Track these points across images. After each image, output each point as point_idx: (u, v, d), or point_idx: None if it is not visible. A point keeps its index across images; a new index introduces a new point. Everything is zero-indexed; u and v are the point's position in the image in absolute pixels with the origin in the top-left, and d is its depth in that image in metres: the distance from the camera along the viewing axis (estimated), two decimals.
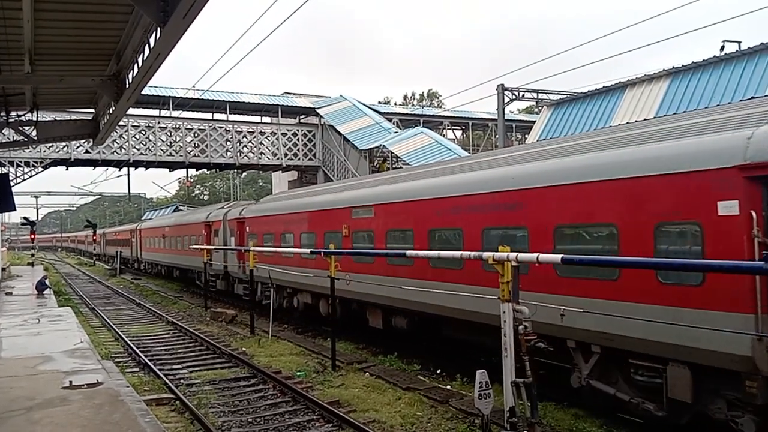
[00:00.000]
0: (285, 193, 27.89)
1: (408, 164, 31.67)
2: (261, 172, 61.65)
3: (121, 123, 35.74)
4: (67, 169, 41.28)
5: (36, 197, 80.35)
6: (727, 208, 7.55)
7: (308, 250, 16.79)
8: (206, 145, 42.35)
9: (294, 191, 27.26)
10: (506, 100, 30.36)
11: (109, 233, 72.08)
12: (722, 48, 23.16)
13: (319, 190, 21.18)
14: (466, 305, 11.56)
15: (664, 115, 17.77)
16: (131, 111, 31.33)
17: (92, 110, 17.34)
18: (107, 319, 23.71)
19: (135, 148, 40.44)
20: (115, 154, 39.94)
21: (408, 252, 11.81)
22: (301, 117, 48.41)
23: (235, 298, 27.71)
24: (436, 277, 12.79)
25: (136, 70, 10.94)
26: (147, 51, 9.90)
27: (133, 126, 40.20)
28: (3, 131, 18.05)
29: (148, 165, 42.40)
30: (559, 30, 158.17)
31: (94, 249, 75.66)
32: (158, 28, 8.74)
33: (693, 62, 22.98)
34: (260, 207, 24.63)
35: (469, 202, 12.15)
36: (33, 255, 56.27)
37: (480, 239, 11.68)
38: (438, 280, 12.64)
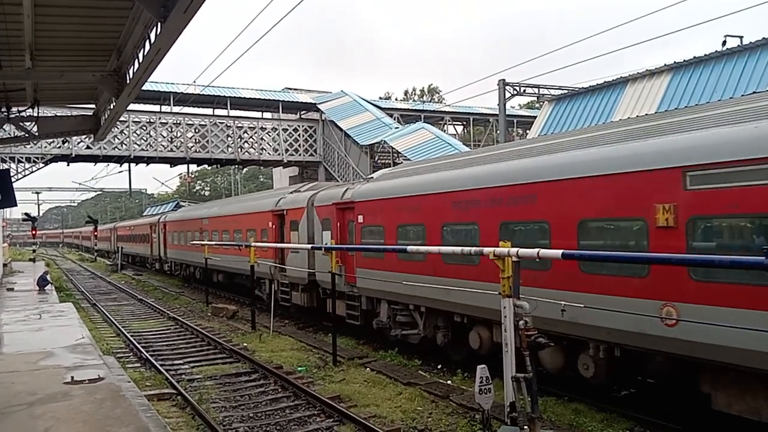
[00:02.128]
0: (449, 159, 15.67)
1: (409, 159, 31.61)
2: (262, 167, 61.67)
3: (121, 119, 35.70)
4: (68, 165, 41.43)
5: (37, 193, 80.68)
6: None
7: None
8: (207, 141, 42.37)
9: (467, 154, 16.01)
10: (507, 95, 30.32)
11: (121, 228, 62.09)
12: (724, 43, 23.11)
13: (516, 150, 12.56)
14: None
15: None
16: (132, 107, 31.38)
17: (93, 106, 17.32)
18: (108, 315, 23.74)
19: (136, 143, 40.45)
20: (116, 149, 39.98)
21: (408, 247, 11.84)
22: (302, 112, 48.39)
23: (322, 316, 19.99)
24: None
25: (136, 65, 10.93)
26: (147, 46, 9.89)
27: (134, 122, 40.21)
28: (4, 127, 18.04)
29: (149, 161, 42.44)
30: (559, 23, 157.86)
31: (95, 245, 75.44)
32: (159, 24, 8.72)
33: (694, 57, 22.92)
34: (385, 186, 15.85)
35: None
36: (34, 251, 56.29)
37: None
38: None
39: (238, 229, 26.22)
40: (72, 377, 10.46)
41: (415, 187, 14.33)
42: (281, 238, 21.93)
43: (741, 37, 23.57)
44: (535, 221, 10.73)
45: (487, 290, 10.28)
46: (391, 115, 44.60)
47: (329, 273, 15.09)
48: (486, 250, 8.80)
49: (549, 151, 11.06)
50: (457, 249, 10.10)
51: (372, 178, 18.17)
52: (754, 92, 19.60)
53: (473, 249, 9.58)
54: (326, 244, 17.86)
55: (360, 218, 16.38)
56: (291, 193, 22.35)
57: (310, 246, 18.27)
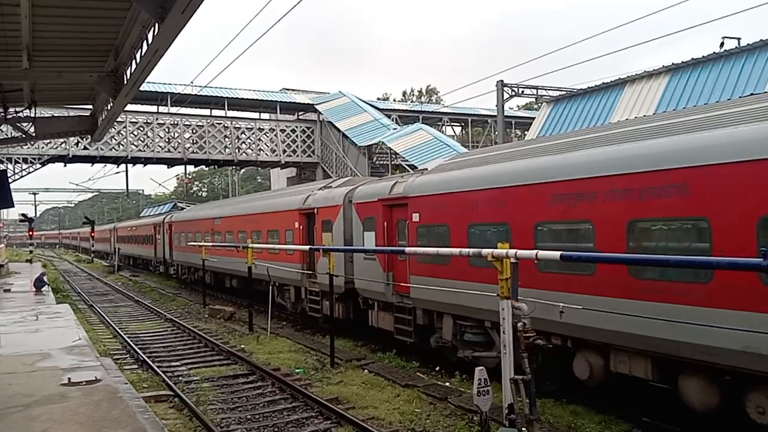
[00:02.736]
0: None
1: (407, 160, 31.59)
2: (260, 168, 61.65)
3: (119, 119, 35.65)
4: (65, 166, 41.31)
5: (34, 194, 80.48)
6: None
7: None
8: (204, 142, 42.32)
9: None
10: (506, 96, 30.33)
11: (122, 228, 59.06)
12: (722, 44, 23.17)
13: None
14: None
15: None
16: (129, 107, 31.31)
17: (90, 106, 17.31)
18: (105, 316, 23.69)
19: (133, 144, 40.38)
20: (113, 150, 39.93)
21: (406, 249, 11.82)
22: (299, 113, 48.38)
23: (362, 330, 17.50)
24: None
25: (134, 66, 10.93)
26: (145, 47, 9.88)
27: (131, 122, 40.16)
28: (1, 127, 18.03)
29: (146, 161, 42.36)
30: (557, 23, 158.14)
31: (92, 246, 75.19)
32: (156, 24, 8.72)
33: (692, 59, 22.97)
34: (451, 177, 13.23)
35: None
36: (31, 252, 56.15)
37: None
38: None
39: (257, 229, 23.67)
40: (69, 379, 10.42)
41: (496, 178, 11.69)
42: (309, 239, 19.39)
43: (739, 39, 23.62)
44: (687, 219, 8.46)
45: (604, 307, 8.91)
46: (389, 116, 44.63)
47: (371, 281, 14.90)
48: (484, 251, 8.80)
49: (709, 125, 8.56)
50: (464, 251, 10.01)
51: (427, 169, 16.06)
52: (752, 94, 19.65)
53: (472, 251, 9.57)
54: (366, 244, 16.05)
55: (415, 216, 13.88)
56: (321, 189, 19.63)
57: (308, 247, 18.25)
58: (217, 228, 28.68)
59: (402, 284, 14.37)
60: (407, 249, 11.81)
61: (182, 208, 46.38)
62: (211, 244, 27.15)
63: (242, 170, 69.79)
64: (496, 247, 8.62)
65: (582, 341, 9.90)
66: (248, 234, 24.19)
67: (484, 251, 8.75)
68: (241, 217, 26.06)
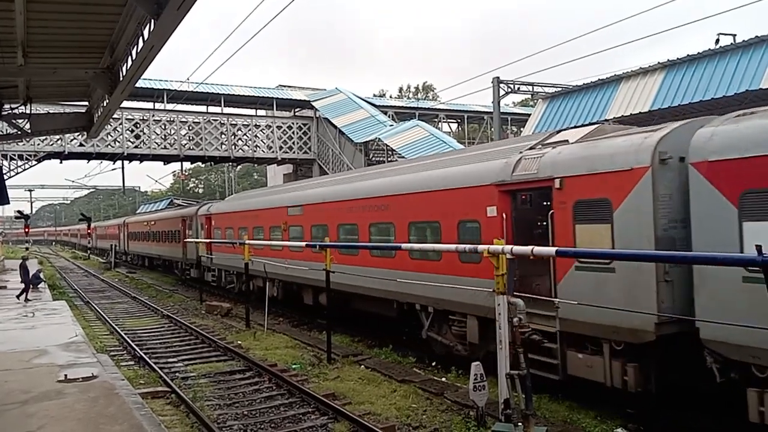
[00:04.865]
0: None
1: (403, 157, 31.58)
2: (256, 165, 61.56)
3: (115, 116, 35.50)
4: (61, 163, 41.16)
5: (30, 190, 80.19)
6: None
7: None
8: (201, 138, 42.23)
9: None
10: (501, 93, 30.35)
11: (135, 223, 50.62)
12: (717, 41, 23.21)
13: None
14: None
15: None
16: (125, 104, 31.17)
17: (86, 103, 17.24)
18: (102, 313, 23.67)
19: (129, 141, 40.29)
20: (109, 147, 39.78)
21: (403, 245, 11.84)
22: (296, 110, 48.30)
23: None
24: None
25: (129, 62, 10.89)
26: (141, 43, 9.85)
27: (127, 119, 40.03)
28: None
29: (142, 158, 42.27)
30: (555, 21, 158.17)
31: (89, 243, 74.68)
32: (152, 20, 8.70)
33: (688, 55, 23.00)
34: None
35: None
36: (27, 249, 55.99)
37: None
38: None
39: (384, 221, 15.22)
40: (65, 375, 10.43)
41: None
42: (522, 235, 11.27)
43: (734, 36, 23.66)
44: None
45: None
46: (385, 113, 44.60)
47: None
48: (480, 247, 8.84)
49: None
50: (460, 247, 10.09)
51: None
52: (747, 90, 19.71)
53: (468, 246, 9.61)
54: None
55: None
56: (551, 144, 11.33)
57: (304, 244, 17.74)
58: (293, 220, 20.48)
59: None
60: (403, 245, 11.83)
61: (179, 205, 46.19)
62: (304, 243, 17.80)
63: (238, 167, 69.72)
64: None
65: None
66: (362, 230, 16.20)
67: (480, 247, 8.80)
68: (348, 203, 17.02)
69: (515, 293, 8.99)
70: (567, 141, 11.03)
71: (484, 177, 11.86)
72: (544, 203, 11.11)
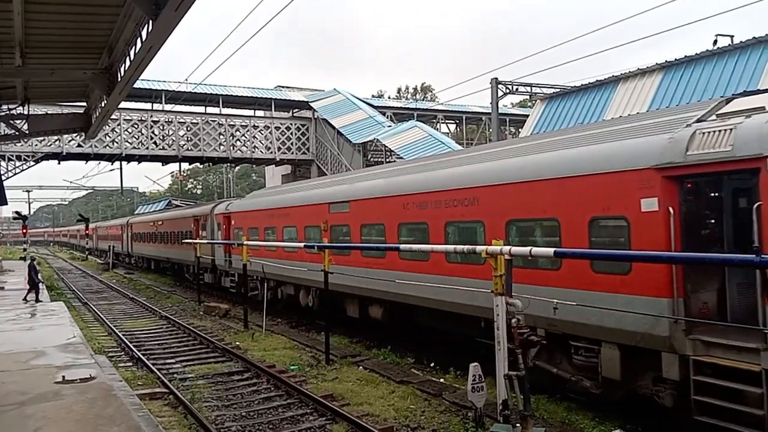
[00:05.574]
0: None
1: (402, 158, 31.58)
2: (254, 165, 61.55)
3: (113, 117, 35.49)
4: (59, 163, 41.13)
5: (28, 191, 79.96)
6: None
7: None
8: (199, 139, 42.22)
9: None
10: (500, 93, 30.37)
11: (141, 224, 47.38)
12: (715, 42, 23.25)
13: None
14: None
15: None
16: (123, 104, 31.16)
17: (84, 104, 17.23)
18: (100, 314, 23.62)
19: (127, 141, 40.25)
20: (107, 147, 39.75)
21: (400, 246, 11.82)
22: (294, 111, 48.30)
23: None
24: None
25: (128, 63, 10.89)
26: (139, 44, 9.85)
27: (125, 119, 40.00)
28: None
29: (140, 159, 42.24)
30: (553, 22, 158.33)
31: (87, 244, 74.40)
32: (150, 21, 8.70)
33: (686, 56, 23.05)
34: None
35: None
36: (25, 249, 55.94)
37: None
38: None
39: (470, 220, 12.31)
40: (63, 376, 10.41)
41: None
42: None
43: (732, 37, 23.71)
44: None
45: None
46: (383, 114, 44.61)
47: None
48: (479, 248, 8.84)
49: None
50: (458, 247, 10.07)
51: None
52: (744, 91, 19.71)
53: (466, 247, 9.60)
54: None
55: None
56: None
57: (302, 245, 17.38)
58: (337, 219, 17.36)
59: None
60: (401, 246, 11.79)
61: (177, 206, 46.08)
62: (374, 246, 15.08)
63: (237, 167, 69.70)
64: None
65: None
66: (434, 229, 13.19)
67: (479, 248, 8.80)
68: (416, 197, 13.87)
69: (705, 320, 7.46)
70: (764, 108, 8.56)
71: (635, 158, 8.92)
72: (713, 194, 9.04)
